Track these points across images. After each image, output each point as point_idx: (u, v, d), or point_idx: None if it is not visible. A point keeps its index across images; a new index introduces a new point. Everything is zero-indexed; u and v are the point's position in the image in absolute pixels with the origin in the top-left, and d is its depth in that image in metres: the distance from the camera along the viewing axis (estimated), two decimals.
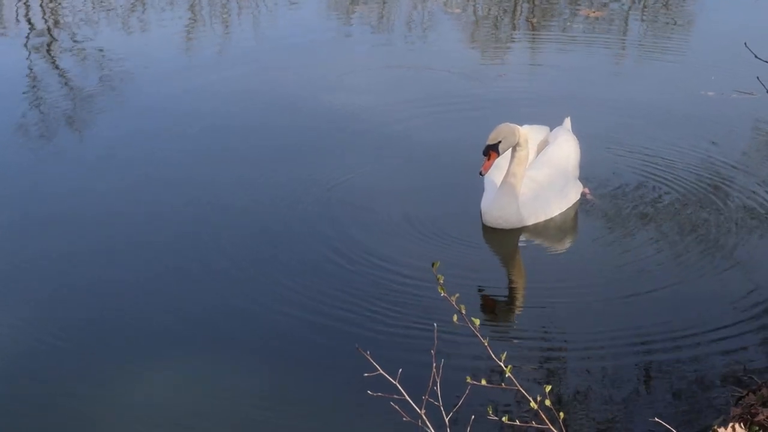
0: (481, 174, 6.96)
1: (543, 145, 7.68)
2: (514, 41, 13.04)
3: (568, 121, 7.90)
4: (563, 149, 7.51)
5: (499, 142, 6.86)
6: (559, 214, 7.40)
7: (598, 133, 7.94)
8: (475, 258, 6.98)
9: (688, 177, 8.07)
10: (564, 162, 7.47)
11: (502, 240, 7.17)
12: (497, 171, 7.21)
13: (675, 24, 13.57)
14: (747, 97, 9.71)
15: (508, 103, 9.95)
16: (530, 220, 7.24)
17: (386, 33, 13.20)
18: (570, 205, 7.49)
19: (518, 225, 7.19)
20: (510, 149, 7.00)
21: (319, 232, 7.23)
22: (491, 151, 6.88)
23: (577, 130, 7.82)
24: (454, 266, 6.60)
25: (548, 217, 7.33)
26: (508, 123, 6.98)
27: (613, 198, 7.71)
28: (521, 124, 7.66)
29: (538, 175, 7.34)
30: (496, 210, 7.13)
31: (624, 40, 12.86)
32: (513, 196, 7.07)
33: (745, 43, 5.40)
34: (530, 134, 7.54)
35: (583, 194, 7.68)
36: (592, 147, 7.81)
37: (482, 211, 7.27)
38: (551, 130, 7.79)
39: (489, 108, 9.70)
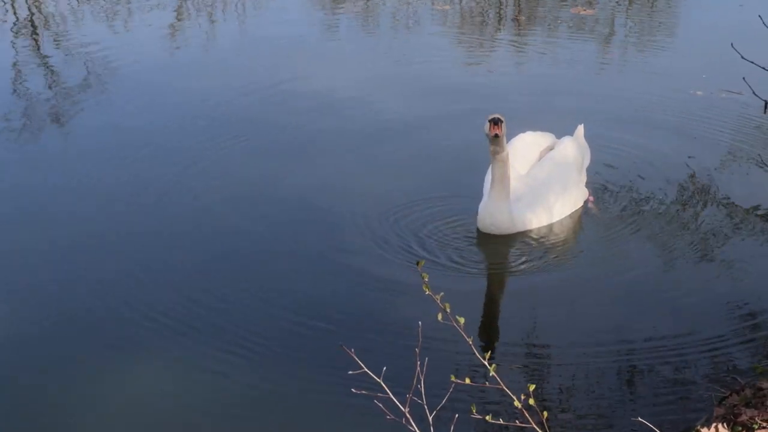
0: (496, 136, 6.52)
1: (547, 152, 7.54)
2: (502, 39, 13.04)
3: (581, 129, 7.76)
4: (562, 154, 7.36)
5: (502, 121, 6.53)
6: (558, 221, 7.25)
7: (586, 133, 7.92)
8: (466, 261, 6.93)
9: (676, 178, 8.07)
10: (563, 168, 7.29)
11: (496, 245, 7.04)
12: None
13: (665, 23, 13.60)
14: (736, 96, 9.74)
15: (497, 100, 9.93)
16: (524, 226, 7.09)
17: (373, 29, 13.19)
18: (569, 212, 7.33)
19: (511, 231, 7.04)
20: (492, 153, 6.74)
21: (306, 230, 7.21)
22: (501, 123, 6.50)
23: (564, 129, 7.80)
24: (445, 268, 6.62)
25: (544, 224, 7.18)
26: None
27: (604, 200, 7.68)
28: (524, 130, 7.62)
29: (535, 181, 7.22)
30: (487, 217, 6.99)
31: (613, 38, 12.88)
32: (504, 201, 6.92)
33: (732, 44, 5.43)
34: (534, 141, 7.46)
35: (586, 201, 7.55)
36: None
37: (477, 217, 7.11)
38: (558, 138, 7.65)
39: (478, 105, 9.71)
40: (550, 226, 7.23)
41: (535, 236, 7.14)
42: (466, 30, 13.38)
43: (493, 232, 7.03)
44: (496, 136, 6.57)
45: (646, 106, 9.79)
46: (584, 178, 7.64)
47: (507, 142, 7.38)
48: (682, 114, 9.57)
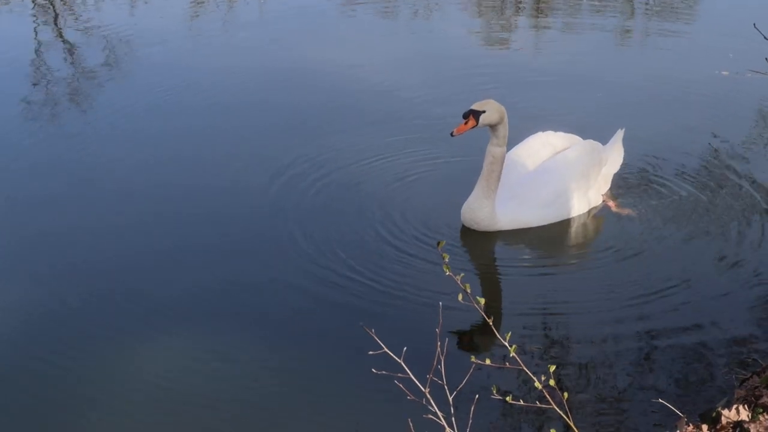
0: (452, 135, 6.54)
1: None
2: (523, 21, 12.96)
3: (620, 133, 7.46)
4: (567, 159, 7.05)
5: (483, 111, 6.48)
6: (555, 223, 7.00)
7: (610, 116, 7.86)
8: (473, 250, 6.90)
9: (702, 158, 8.02)
10: (564, 172, 7.00)
11: (479, 239, 6.90)
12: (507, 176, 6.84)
13: (689, 1, 13.46)
14: (762, 76, 9.64)
15: (516, 87, 9.82)
16: (509, 226, 6.88)
17: (393, 10, 13.13)
18: (563, 218, 7.03)
19: (491, 229, 6.84)
20: (491, 136, 6.62)
21: (325, 210, 7.21)
22: (471, 116, 6.48)
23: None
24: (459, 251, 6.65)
25: (534, 225, 6.94)
26: (495, 101, 6.58)
27: (626, 180, 7.63)
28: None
29: (534, 182, 6.97)
30: (468, 212, 6.84)
31: (637, 19, 12.77)
32: (488, 198, 6.73)
33: (754, 24, 5.38)
34: (549, 141, 7.20)
35: (606, 206, 7.29)
36: (605, 132, 7.68)
37: (461, 210, 6.93)
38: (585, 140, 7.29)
39: (500, 88, 9.66)
40: (546, 228, 6.98)
41: (533, 233, 6.95)
42: (486, 11, 13.29)
43: (473, 227, 6.88)
44: (452, 134, 6.55)
45: (671, 86, 9.70)
46: (605, 185, 7.37)
47: (523, 140, 7.28)
48: (708, 94, 9.49)
